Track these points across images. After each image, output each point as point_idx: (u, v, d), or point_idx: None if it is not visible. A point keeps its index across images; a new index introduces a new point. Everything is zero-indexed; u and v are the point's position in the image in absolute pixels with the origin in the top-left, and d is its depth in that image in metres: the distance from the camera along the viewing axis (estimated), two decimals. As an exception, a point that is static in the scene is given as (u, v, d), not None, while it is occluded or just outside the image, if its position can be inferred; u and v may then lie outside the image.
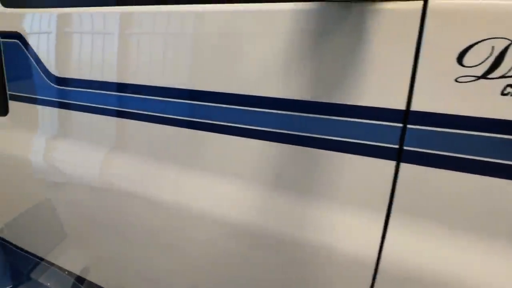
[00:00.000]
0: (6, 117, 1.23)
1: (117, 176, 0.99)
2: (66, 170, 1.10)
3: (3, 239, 1.45)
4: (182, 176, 0.87)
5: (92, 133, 1.03)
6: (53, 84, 1.08)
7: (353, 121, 0.67)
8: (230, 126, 0.78)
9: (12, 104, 1.21)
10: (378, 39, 0.62)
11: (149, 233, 0.97)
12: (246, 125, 0.76)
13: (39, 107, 1.14)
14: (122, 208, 0.98)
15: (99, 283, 1.12)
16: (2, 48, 1.17)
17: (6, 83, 1.19)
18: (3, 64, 1.18)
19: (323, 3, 0.65)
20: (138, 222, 0.96)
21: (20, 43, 1.12)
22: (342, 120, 0.67)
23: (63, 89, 1.06)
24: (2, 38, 1.16)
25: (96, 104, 1.00)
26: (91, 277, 1.14)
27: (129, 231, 1.00)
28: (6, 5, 1.15)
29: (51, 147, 1.14)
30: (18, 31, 1.11)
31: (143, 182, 0.92)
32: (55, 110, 1.10)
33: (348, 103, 0.66)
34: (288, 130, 0.71)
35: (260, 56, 0.72)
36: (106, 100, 0.98)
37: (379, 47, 0.62)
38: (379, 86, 0.63)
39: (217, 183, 0.82)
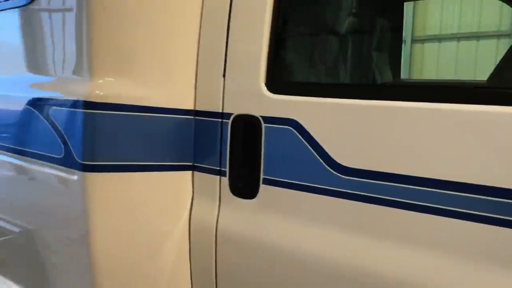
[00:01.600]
0: (254, 200, 1.21)
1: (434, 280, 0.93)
2: (347, 264, 1.05)
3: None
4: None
5: (394, 230, 0.99)
6: (336, 173, 1.05)
7: None
8: None
9: (264, 188, 1.18)
10: None
11: None
12: None
13: (308, 194, 1.11)
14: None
15: None
16: (264, 132, 1.16)
17: (262, 167, 1.18)
18: (262, 148, 1.17)
19: None
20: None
21: (293, 130, 1.11)
22: None
23: (351, 179, 1.03)
24: (265, 123, 1.16)
25: (409, 200, 0.96)
26: None
27: None
28: (274, 91, 1.15)
29: (319, 236, 1.10)
30: (294, 118, 1.10)
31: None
32: (333, 199, 1.07)
33: None
34: None
35: None
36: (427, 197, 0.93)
37: None
38: None
39: None
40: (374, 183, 1.00)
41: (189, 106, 1.30)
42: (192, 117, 1.30)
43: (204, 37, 1.29)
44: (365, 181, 1.01)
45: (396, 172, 0.98)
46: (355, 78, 1.19)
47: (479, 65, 6.81)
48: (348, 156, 1.04)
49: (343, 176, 1.05)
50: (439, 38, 7.61)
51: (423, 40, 7.71)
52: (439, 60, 7.46)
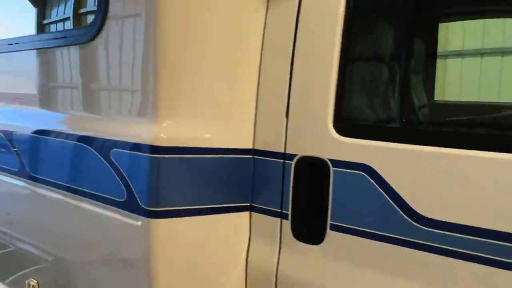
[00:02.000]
0: (319, 246, 1.15)
1: None
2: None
3: None
4: None
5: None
6: (416, 224, 0.99)
7: None
8: None
9: (332, 234, 1.13)
10: None
11: None
12: None
13: (381, 244, 1.05)
14: None
15: None
16: (332, 176, 1.11)
17: (329, 212, 1.12)
18: (330, 192, 1.12)
19: None
20: None
21: (366, 175, 1.05)
22: None
23: (432, 231, 0.97)
24: (333, 166, 1.11)
25: (499, 257, 0.89)
26: None
27: None
28: (344, 134, 1.10)
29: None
30: (366, 163, 1.05)
31: None
32: (410, 251, 1.01)
33: None
34: None
35: None
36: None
37: None
38: None
39: None
40: (459, 237, 0.94)
41: (248, 145, 1.26)
42: (251, 156, 1.26)
43: (265, 72, 1.25)
44: (450, 234, 0.95)
45: (483, 227, 0.92)
46: (435, 122, 1.12)
47: (503, 82, 6.69)
48: (430, 206, 0.98)
49: (423, 228, 0.98)
50: (462, 54, 7.50)
51: (445, 56, 7.61)
52: (462, 77, 7.35)
